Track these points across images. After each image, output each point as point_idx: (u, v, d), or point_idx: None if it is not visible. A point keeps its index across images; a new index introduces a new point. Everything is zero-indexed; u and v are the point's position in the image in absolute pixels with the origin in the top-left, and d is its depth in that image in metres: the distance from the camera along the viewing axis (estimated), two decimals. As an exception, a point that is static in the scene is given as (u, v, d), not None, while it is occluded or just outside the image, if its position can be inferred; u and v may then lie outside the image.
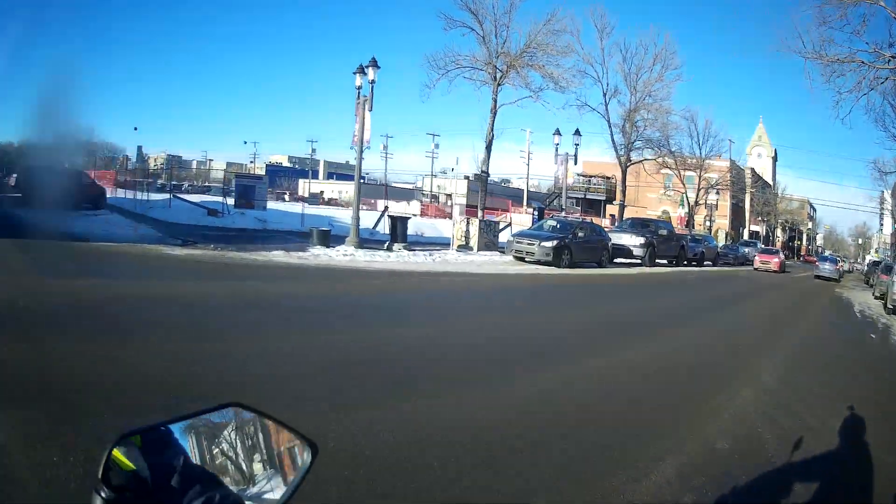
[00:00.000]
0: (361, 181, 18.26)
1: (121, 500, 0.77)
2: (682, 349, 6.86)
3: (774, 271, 26.21)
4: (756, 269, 26.71)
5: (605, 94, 26.32)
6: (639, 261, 20.33)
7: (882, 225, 50.76)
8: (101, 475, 0.77)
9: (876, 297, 17.67)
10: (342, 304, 8.39)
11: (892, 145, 33.12)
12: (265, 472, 0.87)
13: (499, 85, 20.21)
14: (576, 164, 22.74)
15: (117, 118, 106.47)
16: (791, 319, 11.72)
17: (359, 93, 16.58)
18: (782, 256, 30.41)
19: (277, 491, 0.85)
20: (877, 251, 47.91)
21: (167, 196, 26.30)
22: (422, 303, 9.43)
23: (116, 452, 0.80)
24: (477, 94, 21.50)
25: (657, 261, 21.58)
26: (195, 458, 0.87)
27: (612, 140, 26.91)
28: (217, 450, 0.88)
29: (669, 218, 33.09)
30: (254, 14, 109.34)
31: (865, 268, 34.24)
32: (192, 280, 9.60)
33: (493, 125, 20.23)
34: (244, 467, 0.87)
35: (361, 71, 16.38)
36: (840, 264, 29.94)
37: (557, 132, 22.14)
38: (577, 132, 21.94)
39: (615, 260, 19.38)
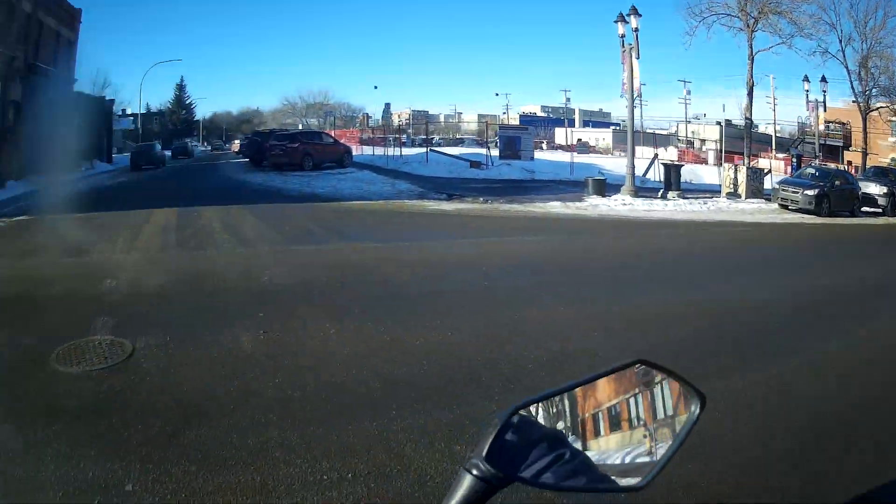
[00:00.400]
0: (617, 128, 20.68)
1: (500, 478, 0.73)
2: None
3: None
4: None
5: (840, 41, 26.05)
6: (880, 209, 21.11)
7: None
8: (486, 452, 0.72)
9: None
10: (667, 261, 8.47)
11: None
12: (654, 425, 0.87)
13: (752, 32, 21.19)
14: (825, 110, 23.42)
15: (354, 78, 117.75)
16: None
17: (622, 41, 16.95)
18: None
19: (666, 443, 0.85)
20: None
21: (421, 150, 25.96)
22: (739, 257, 9.43)
23: (501, 427, 0.75)
24: (735, 40, 22.75)
25: (896, 210, 22.08)
26: (580, 421, 0.85)
27: (852, 87, 26.69)
28: (606, 408, 0.87)
29: (897, 166, 32.24)
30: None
31: None
32: (498, 236, 9.53)
33: (751, 72, 21.28)
34: (635, 422, 0.87)
35: (622, 19, 16.67)
36: None
37: (806, 79, 23.14)
38: (824, 79, 22.67)
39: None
